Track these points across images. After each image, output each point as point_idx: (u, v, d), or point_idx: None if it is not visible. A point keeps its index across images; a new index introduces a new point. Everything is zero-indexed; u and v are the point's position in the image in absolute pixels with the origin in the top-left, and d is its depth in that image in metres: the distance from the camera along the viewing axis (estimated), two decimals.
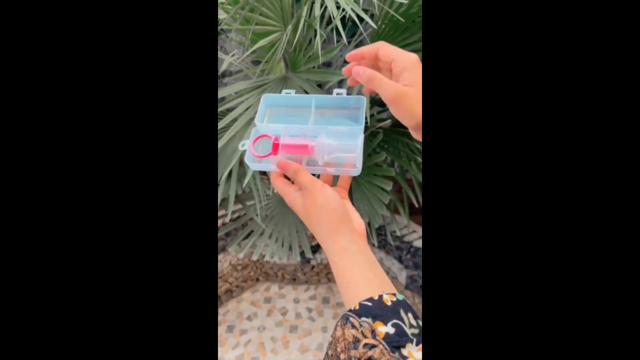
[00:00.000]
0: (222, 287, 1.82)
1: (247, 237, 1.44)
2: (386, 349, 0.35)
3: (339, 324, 0.39)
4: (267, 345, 1.69)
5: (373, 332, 0.36)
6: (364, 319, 0.37)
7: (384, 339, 0.36)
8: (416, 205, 1.34)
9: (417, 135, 0.47)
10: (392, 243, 1.59)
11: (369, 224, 1.40)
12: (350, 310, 0.39)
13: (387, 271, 1.74)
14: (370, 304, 0.38)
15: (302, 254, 1.44)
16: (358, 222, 0.46)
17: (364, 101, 0.51)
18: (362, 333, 0.36)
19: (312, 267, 1.85)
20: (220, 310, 1.83)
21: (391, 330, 0.36)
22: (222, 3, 1.01)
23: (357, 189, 1.30)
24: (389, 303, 0.38)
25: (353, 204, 1.59)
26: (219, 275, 1.79)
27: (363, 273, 0.41)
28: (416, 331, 0.37)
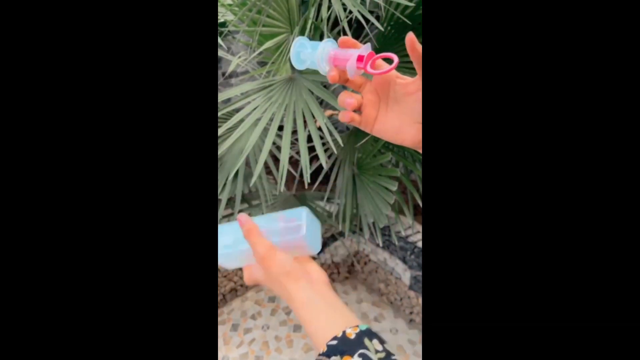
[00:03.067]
0: (226, 285, 1.83)
1: None
2: None
3: None
4: (271, 344, 1.70)
5: None
6: (333, 357, 0.40)
7: None
8: (421, 206, 1.34)
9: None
10: (396, 243, 1.59)
11: (373, 224, 1.40)
12: (320, 354, 0.41)
13: (391, 271, 1.75)
14: (335, 342, 0.41)
15: None
16: (317, 271, 0.49)
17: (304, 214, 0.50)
18: None
19: None
20: (225, 309, 1.84)
21: None
22: (230, 5, 1.03)
23: (362, 189, 1.30)
24: (353, 336, 0.41)
25: (358, 203, 1.59)
26: (224, 274, 1.80)
27: (328, 318, 0.44)
28: (382, 355, 0.40)
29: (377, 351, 0.40)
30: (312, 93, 1.10)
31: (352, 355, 0.39)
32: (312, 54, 0.45)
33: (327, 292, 0.47)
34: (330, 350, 0.41)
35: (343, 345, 0.41)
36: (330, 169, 1.34)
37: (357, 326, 0.42)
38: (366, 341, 0.41)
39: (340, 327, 0.42)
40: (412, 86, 0.44)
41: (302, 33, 1.01)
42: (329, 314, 0.44)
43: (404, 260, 1.67)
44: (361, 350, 0.40)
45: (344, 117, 0.47)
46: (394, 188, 1.20)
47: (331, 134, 1.06)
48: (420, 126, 0.46)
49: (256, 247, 0.47)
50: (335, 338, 0.41)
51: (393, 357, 0.39)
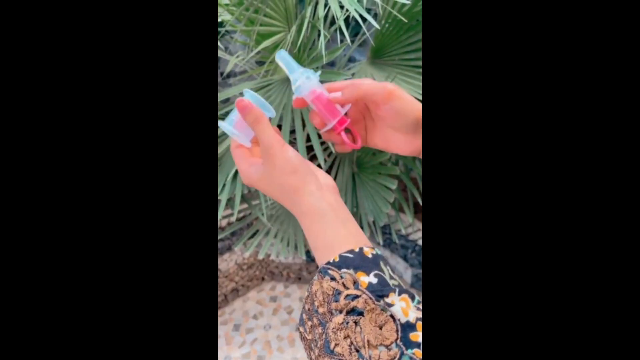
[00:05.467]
0: (228, 286, 1.83)
1: (252, 236, 1.45)
2: (370, 298, 0.34)
3: (315, 278, 0.37)
4: (273, 343, 1.70)
5: (355, 283, 0.35)
6: (344, 270, 0.36)
7: (367, 288, 0.34)
8: (421, 204, 1.34)
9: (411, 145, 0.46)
10: (397, 242, 1.59)
11: (373, 223, 1.40)
12: (328, 263, 0.37)
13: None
14: (351, 255, 0.37)
15: (307, 252, 1.45)
16: (324, 175, 0.44)
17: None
18: (344, 284, 0.35)
19: (317, 266, 1.85)
20: (227, 309, 1.84)
21: (374, 280, 0.35)
22: (227, 4, 1.02)
23: (362, 188, 1.30)
24: (370, 255, 0.37)
25: (357, 202, 1.58)
26: (225, 274, 1.80)
27: (337, 232, 0.39)
28: (396, 282, 0.36)
29: (391, 277, 0.36)
30: None
31: (367, 273, 0.35)
32: (295, 76, 0.47)
33: (338, 202, 0.41)
34: (343, 262, 0.36)
35: (360, 260, 0.36)
36: (330, 167, 1.34)
37: (373, 248, 0.38)
38: (382, 265, 0.37)
39: (356, 243, 0.38)
40: (377, 97, 0.45)
41: (299, 32, 1.00)
42: (340, 229, 0.39)
43: (405, 259, 1.67)
44: (377, 271, 0.36)
45: (341, 149, 0.49)
46: (394, 186, 1.20)
47: None
48: (403, 136, 0.46)
49: (263, 135, 0.41)
50: (351, 252, 0.37)
51: (404, 288, 0.36)
